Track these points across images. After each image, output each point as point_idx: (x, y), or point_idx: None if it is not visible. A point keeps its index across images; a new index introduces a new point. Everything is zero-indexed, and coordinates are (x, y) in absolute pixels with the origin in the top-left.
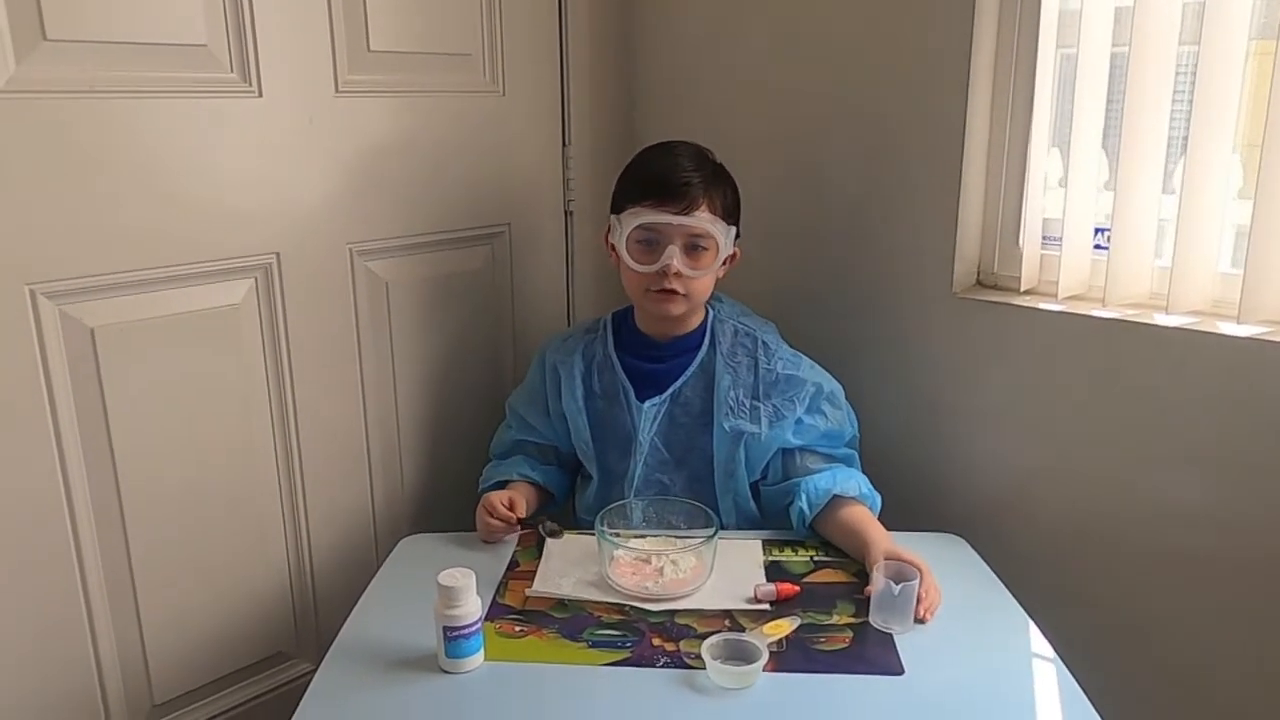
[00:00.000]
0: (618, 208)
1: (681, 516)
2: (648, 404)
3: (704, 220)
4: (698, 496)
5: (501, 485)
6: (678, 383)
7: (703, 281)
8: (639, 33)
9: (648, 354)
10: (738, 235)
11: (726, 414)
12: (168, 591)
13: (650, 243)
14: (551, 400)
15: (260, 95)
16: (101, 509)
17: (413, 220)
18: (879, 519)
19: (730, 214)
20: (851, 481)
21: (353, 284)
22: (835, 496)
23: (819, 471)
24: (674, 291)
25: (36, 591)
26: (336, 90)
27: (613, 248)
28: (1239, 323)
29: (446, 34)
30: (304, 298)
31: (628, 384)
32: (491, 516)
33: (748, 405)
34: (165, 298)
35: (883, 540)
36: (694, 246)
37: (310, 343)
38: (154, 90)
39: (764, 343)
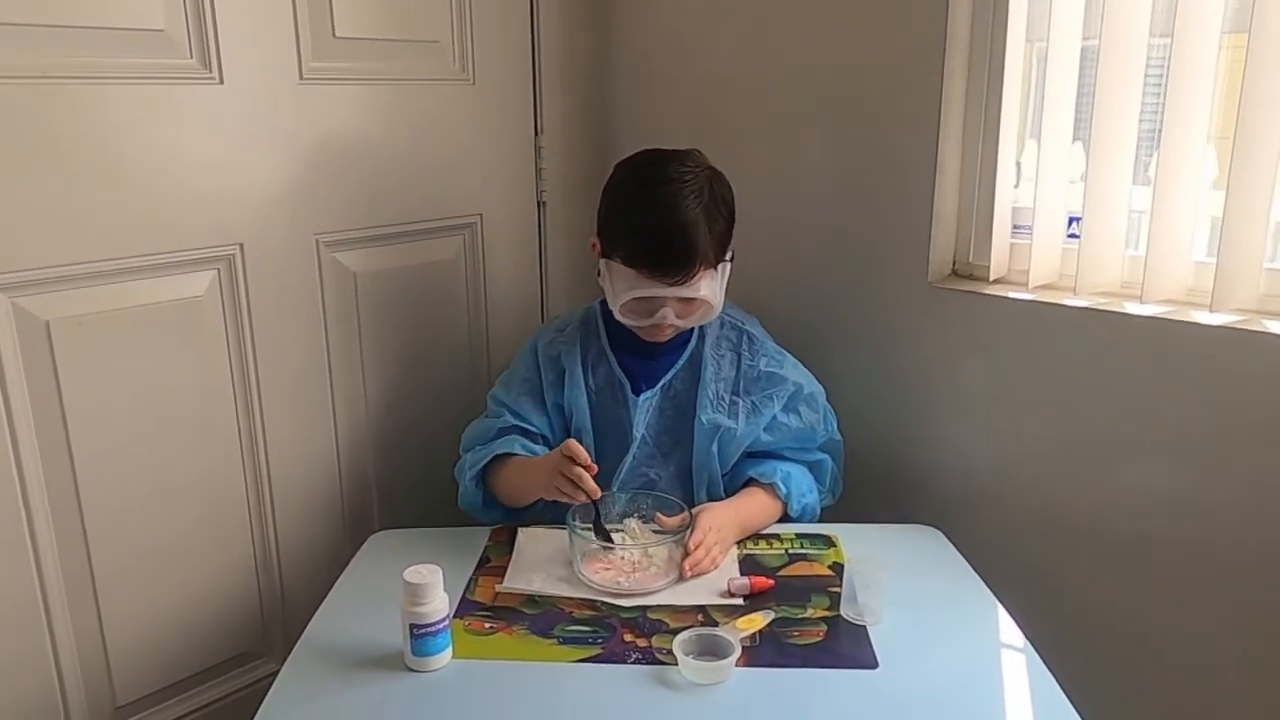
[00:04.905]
0: (607, 251)
1: (656, 509)
2: (642, 397)
3: (701, 288)
4: (683, 490)
5: (503, 459)
6: (668, 375)
7: None
8: (612, 20)
9: (639, 349)
10: (732, 257)
11: (705, 407)
12: (129, 590)
13: (644, 299)
14: (549, 391)
15: (221, 82)
16: (59, 507)
17: (381, 210)
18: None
19: (725, 245)
20: (786, 475)
21: (319, 275)
22: (751, 478)
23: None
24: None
25: None
26: (300, 77)
27: (598, 265)
28: (1212, 311)
29: (415, 20)
30: (269, 289)
31: (623, 378)
32: (569, 473)
33: (727, 400)
34: (124, 290)
35: (717, 504)
36: (689, 299)
37: (276, 336)
38: (110, 76)
39: (749, 336)
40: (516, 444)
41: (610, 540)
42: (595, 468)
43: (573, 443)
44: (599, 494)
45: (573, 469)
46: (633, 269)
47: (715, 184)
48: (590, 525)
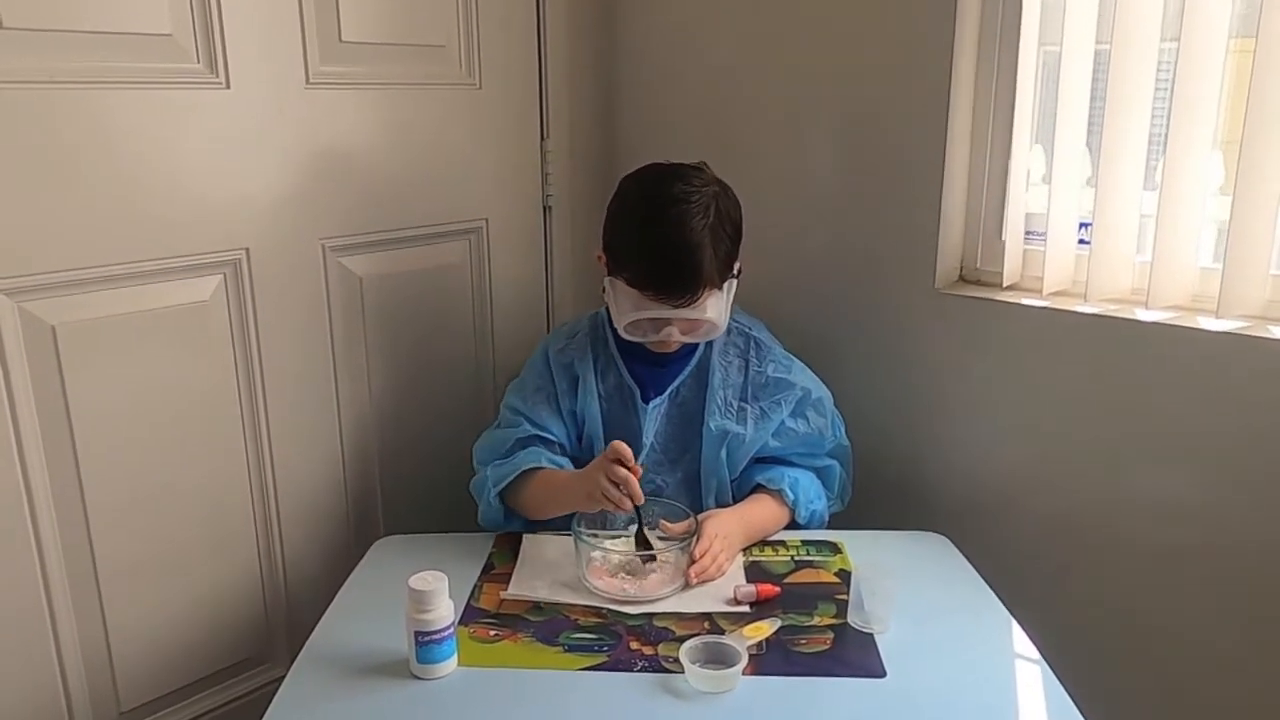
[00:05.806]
0: (612, 269)
1: (662, 516)
2: (651, 404)
3: (708, 309)
4: (690, 496)
5: (527, 474)
6: (675, 382)
7: None
8: (619, 24)
9: (647, 356)
10: (738, 272)
11: (714, 413)
12: (134, 595)
13: (648, 319)
14: (563, 398)
15: (228, 87)
16: (64, 512)
17: (387, 215)
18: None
19: (732, 264)
20: (794, 481)
21: (325, 280)
22: (759, 484)
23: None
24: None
25: None
26: (307, 82)
27: (604, 282)
28: (1217, 317)
29: (421, 25)
30: (274, 294)
31: (633, 385)
32: (614, 475)
33: (735, 406)
34: (130, 294)
35: (723, 511)
36: (695, 319)
37: (281, 340)
38: (117, 81)
39: (756, 341)
40: (542, 457)
41: (651, 548)
42: (640, 471)
43: (620, 444)
44: (643, 499)
45: (618, 472)
46: (637, 290)
47: (721, 202)
48: (596, 532)
